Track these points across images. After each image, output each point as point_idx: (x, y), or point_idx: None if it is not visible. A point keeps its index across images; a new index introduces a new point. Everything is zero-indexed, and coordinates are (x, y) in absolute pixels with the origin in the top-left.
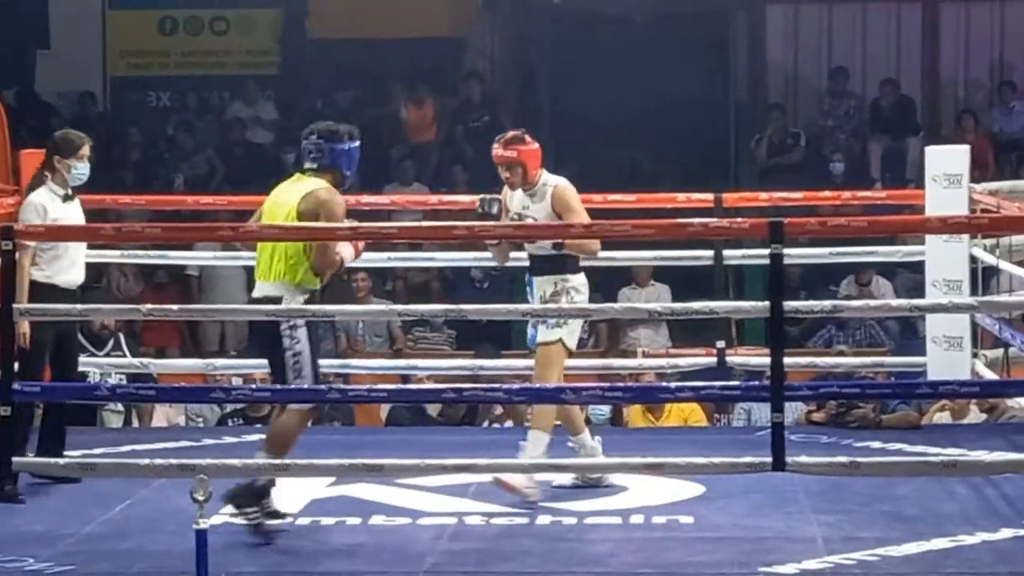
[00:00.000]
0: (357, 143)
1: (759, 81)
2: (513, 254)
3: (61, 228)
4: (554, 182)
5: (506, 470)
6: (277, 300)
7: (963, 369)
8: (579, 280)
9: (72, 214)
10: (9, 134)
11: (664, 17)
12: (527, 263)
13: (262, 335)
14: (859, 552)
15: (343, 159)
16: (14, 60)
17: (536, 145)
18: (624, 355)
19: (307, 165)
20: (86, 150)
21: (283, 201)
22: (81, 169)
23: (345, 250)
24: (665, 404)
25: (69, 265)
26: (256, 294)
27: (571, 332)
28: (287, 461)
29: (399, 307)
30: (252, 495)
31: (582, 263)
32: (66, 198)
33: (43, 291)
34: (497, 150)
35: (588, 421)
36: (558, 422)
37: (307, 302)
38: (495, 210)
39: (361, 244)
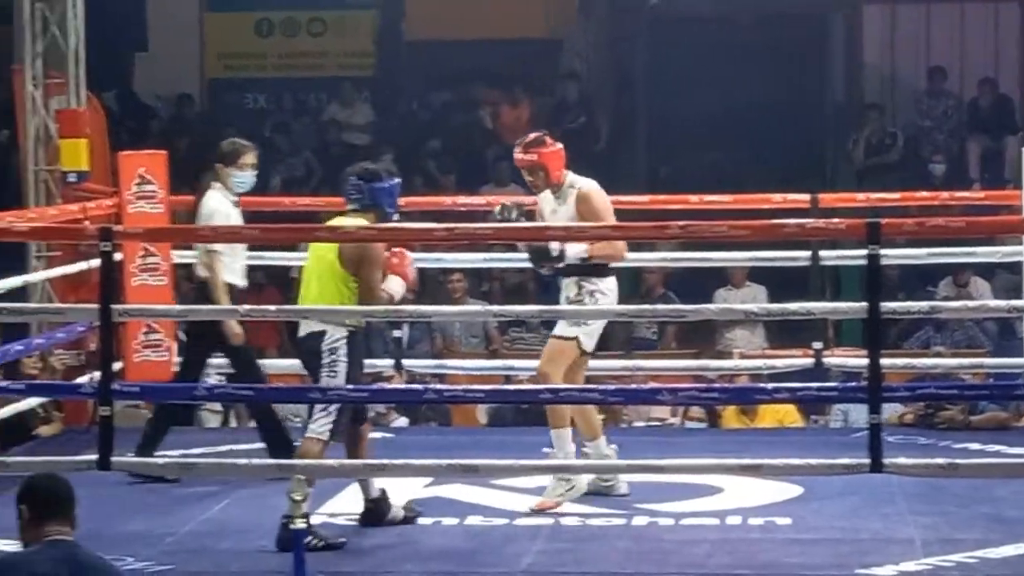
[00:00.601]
0: (397, 180)
1: (856, 82)
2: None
3: (159, 230)
4: (579, 184)
5: (600, 471)
6: (320, 336)
7: None
8: (606, 284)
9: (239, 221)
10: (109, 136)
11: (760, 18)
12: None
13: (309, 363)
14: (957, 554)
15: (384, 197)
16: (113, 62)
17: (558, 147)
18: (720, 356)
19: (349, 206)
20: (247, 159)
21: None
22: (241, 178)
23: (394, 286)
24: (760, 405)
25: (239, 268)
26: (301, 333)
27: (590, 333)
28: (384, 461)
29: (495, 308)
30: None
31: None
32: (234, 204)
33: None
34: (517, 154)
35: (684, 423)
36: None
37: (349, 339)
38: (514, 215)
39: (412, 274)
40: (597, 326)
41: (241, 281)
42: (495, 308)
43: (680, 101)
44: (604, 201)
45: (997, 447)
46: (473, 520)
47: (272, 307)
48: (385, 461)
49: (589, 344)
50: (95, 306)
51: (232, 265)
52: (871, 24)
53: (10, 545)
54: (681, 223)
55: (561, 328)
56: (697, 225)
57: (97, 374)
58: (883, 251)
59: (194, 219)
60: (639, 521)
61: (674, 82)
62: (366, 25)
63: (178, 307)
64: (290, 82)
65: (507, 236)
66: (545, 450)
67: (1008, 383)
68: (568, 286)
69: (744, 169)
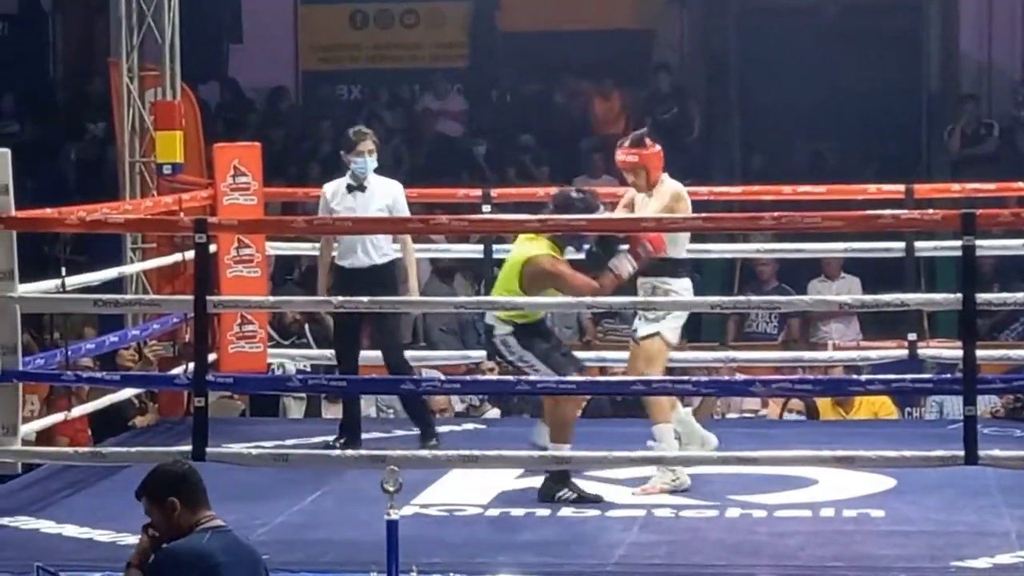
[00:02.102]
0: (592, 215)
1: (952, 71)
2: None
3: (254, 222)
4: (668, 184)
5: (693, 463)
6: (491, 330)
7: None
8: (680, 284)
9: (359, 203)
10: (204, 128)
11: (855, 7)
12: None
13: (495, 355)
14: None
15: (569, 238)
16: (208, 55)
17: (658, 148)
18: (815, 348)
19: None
20: (365, 145)
21: (514, 256)
22: (360, 164)
23: (624, 265)
24: (855, 397)
25: (349, 250)
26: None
27: (671, 327)
28: (476, 452)
29: (588, 299)
30: (558, 480)
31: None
32: (350, 188)
33: (335, 273)
34: (619, 155)
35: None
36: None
37: (515, 332)
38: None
39: (651, 242)
40: (678, 321)
41: (347, 262)
42: (588, 299)
43: (773, 91)
44: (683, 201)
45: None
46: (566, 511)
47: (365, 298)
48: (477, 452)
49: (672, 337)
50: (190, 298)
51: (342, 247)
52: (967, 13)
53: (111, 536)
54: (775, 214)
55: (642, 328)
56: (791, 216)
57: (191, 365)
58: (978, 242)
59: None
60: (732, 513)
61: (766, 72)
62: (460, 16)
63: (272, 298)
64: (384, 73)
65: (600, 228)
66: (649, 443)
67: None
68: (642, 284)
69: (838, 159)
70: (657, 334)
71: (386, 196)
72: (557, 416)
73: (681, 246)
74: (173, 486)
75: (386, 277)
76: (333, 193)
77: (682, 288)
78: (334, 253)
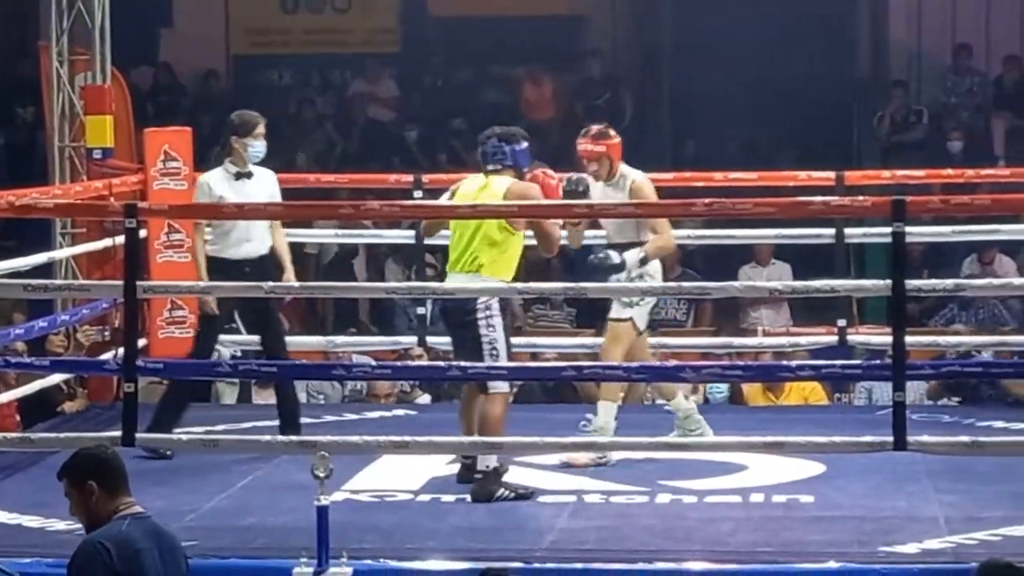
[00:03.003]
0: (526, 145)
1: (881, 58)
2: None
3: (184, 207)
4: (631, 175)
5: (624, 448)
6: (465, 303)
7: None
8: (652, 267)
9: (250, 191)
10: (134, 112)
11: None
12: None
13: (455, 322)
14: (981, 532)
15: (522, 158)
16: (138, 39)
17: (618, 139)
18: (745, 334)
19: (490, 167)
20: (261, 128)
21: (484, 197)
22: (257, 147)
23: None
24: (785, 383)
25: (238, 240)
26: (449, 285)
27: (642, 314)
28: (407, 439)
29: (519, 285)
30: (493, 481)
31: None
32: (239, 176)
33: (214, 265)
34: (587, 145)
35: (706, 400)
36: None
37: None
38: (582, 188)
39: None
40: (647, 306)
41: (230, 254)
42: (519, 285)
43: (705, 78)
44: (654, 192)
45: (1021, 425)
46: None
47: (296, 283)
48: (408, 438)
49: (642, 323)
50: (120, 283)
51: (227, 239)
52: (897, 0)
53: (40, 522)
54: (706, 200)
55: (615, 311)
56: (722, 203)
57: (121, 351)
58: (908, 228)
59: None
60: (662, 499)
61: (698, 59)
62: (391, 2)
63: (202, 283)
64: (315, 58)
65: (531, 213)
66: (588, 415)
67: None
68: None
69: (769, 146)
70: (629, 319)
71: (270, 183)
72: (486, 415)
73: (644, 230)
74: (93, 470)
75: (272, 266)
76: (216, 182)
77: (654, 270)
78: (216, 244)
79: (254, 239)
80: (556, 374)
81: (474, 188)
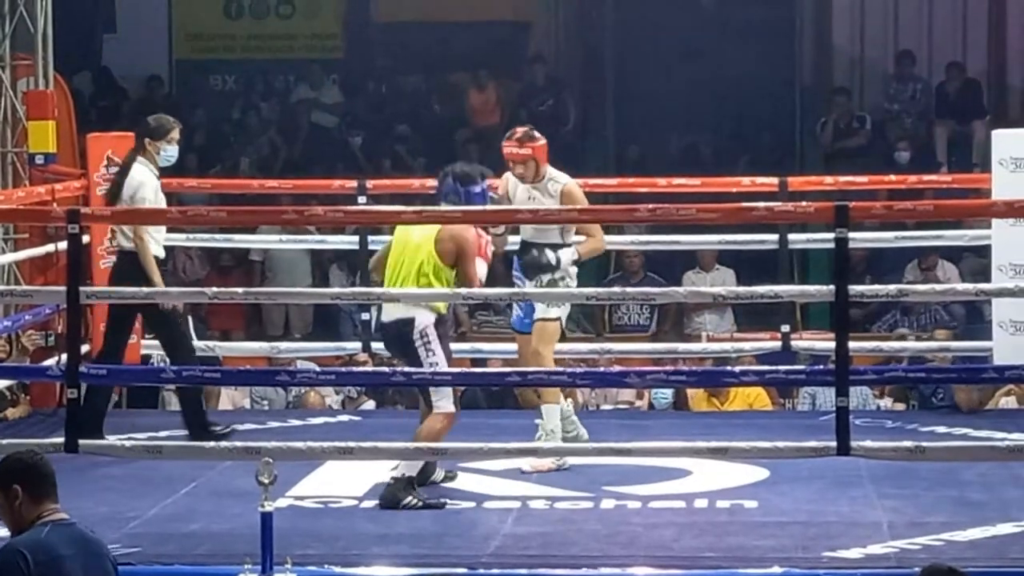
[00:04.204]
0: (486, 183)
1: (824, 65)
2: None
3: (129, 211)
4: (561, 179)
5: (569, 454)
6: (410, 322)
7: None
8: (571, 269)
9: (161, 195)
10: (77, 117)
11: (729, 0)
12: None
13: (397, 351)
14: (924, 537)
15: (477, 200)
16: (81, 44)
17: (544, 141)
18: (689, 340)
19: (443, 204)
20: (175, 134)
21: (418, 236)
22: (170, 152)
23: (481, 270)
24: (730, 388)
25: (158, 241)
26: (386, 319)
27: (566, 313)
28: (352, 444)
29: (463, 290)
30: (402, 488)
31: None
32: (158, 178)
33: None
34: (512, 148)
35: (651, 406)
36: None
37: (436, 324)
38: (544, 261)
39: (490, 254)
40: (569, 307)
41: (162, 252)
42: (463, 291)
43: (648, 83)
44: (583, 196)
45: (964, 430)
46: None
47: (239, 289)
48: (353, 444)
49: (562, 323)
50: (62, 288)
51: (156, 236)
52: (840, 6)
53: None
54: (650, 206)
55: (542, 311)
56: (665, 208)
57: (64, 356)
58: (851, 234)
59: (118, 191)
60: (607, 504)
61: (642, 64)
62: (335, 7)
63: (146, 289)
64: (259, 64)
65: (476, 219)
66: (536, 421)
67: (976, 366)
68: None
69: (713, 151)
70: (558, 319)
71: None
72: (425, 429)
73: (568, 232)
74: (19, 474)
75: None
76: (156, 184)
77: (572, 272)
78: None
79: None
80: (500, 380)
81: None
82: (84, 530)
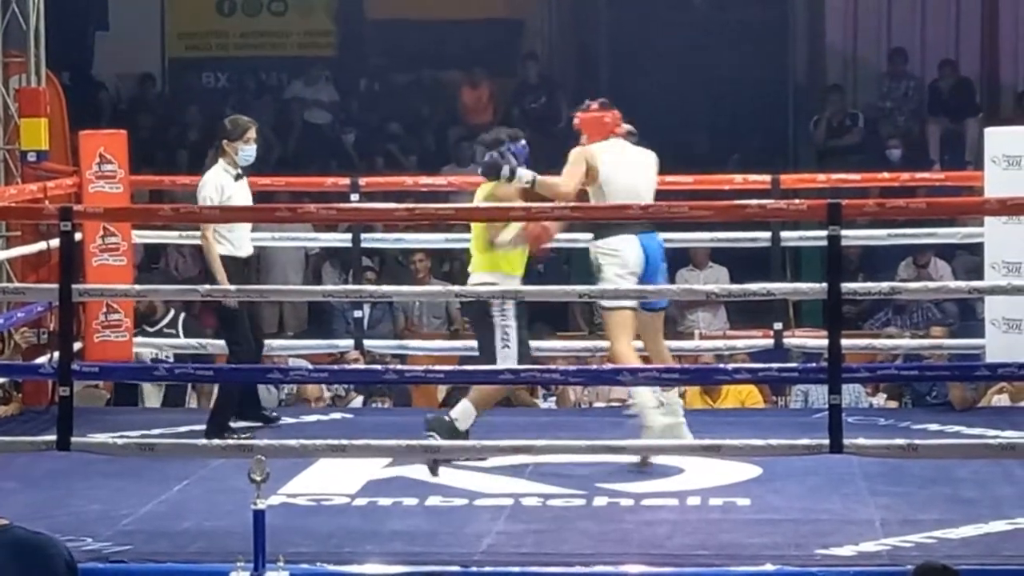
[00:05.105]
0: (520, 146)
1: (817, 63)
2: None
3: (119, 210)
4: (575, 151)
5: (561, 451)
6: (487, 285)
7: (1022, 351)
8: (608, 244)
9: (243, 193)
10: (68, 115)
11: None
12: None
13: (475, 314)
14: (917, 534)
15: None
16: (73, 42)
17: (598, 112)
18: (681, 337)
19: (485, 176)
20: (252, 133)
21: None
22: (248, 151)
23: (505, 235)
24: (722, 386)
25: (243, 239)
26: (470, 281)
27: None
28: (344, 442)
29: (456, 288)
30: (448, 431)
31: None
32: (237, 177)
33: (230, 264)
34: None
35: None
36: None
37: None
38: (507, 172)
39: (541, 241)
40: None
41: (242, 252)
42: (456, 288)
43: (641, 81)
44: (574, 160)
45: (956, 428)
46: (433, 501)
47: (232, 287)
48: (345, 442)
49: (628, 302)
50: (55, 286)
51: (230, 236)
52: (833, 5)
53: None
54: (642, 204)
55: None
56: (658, 206)
57: (56, 354)
58: (844, 232)
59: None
60: (599, 502)
61: (635, 62)
62: (327, 4)
63: (138, 287)
64: (251, 61)
65: (468, 217)
66: (625, 413)
67: (969, 364)
68: (591, 250)
69: (706, 149)
70: (622, 307)
71: (248, 185)
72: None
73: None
74: None
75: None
76: (226, 182)
77: (610, 248)
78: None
79: (247, 238)
80: (492, 378)
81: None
82: (26, 533)
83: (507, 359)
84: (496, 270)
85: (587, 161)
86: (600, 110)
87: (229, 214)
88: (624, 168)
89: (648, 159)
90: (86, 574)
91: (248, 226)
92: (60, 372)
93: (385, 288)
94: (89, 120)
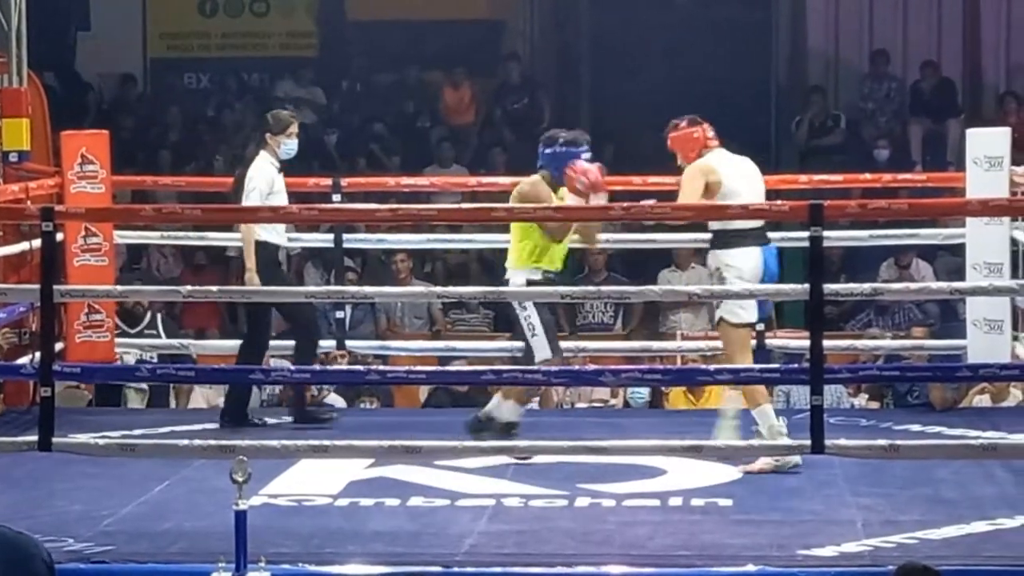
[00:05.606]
0: (564, 148)
1: (799, 64)
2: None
3: (101, 210)
4: (688, 170)
5: (541, 452)
6: (507, 284)
7: (1003, 352)
8: (731, 257)
9: (283, 185)
10: (53, 116)
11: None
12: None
13: (508, 313)
14: (898, 535)
15: (549, 160)
16: (55, 42)
17: (688, 129)
18: (664, 338)
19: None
20: (295, 128)
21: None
22: (290, 145)
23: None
24: (705, 386)
25: (280, 229)
26: (366, 289)
27: (729, 308)
28: (326, 443)
29: (438, 289)
30: (492, 428)
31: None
32: (278, 171)
33: (261, 250)
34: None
35: (627, 404)
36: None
37: (530, 284)
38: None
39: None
40: (731, 302)
41: (280, 240)
42: (438, 289)
43: (623, 81)
44: (691, 177)
45: (937, 428)
46: (415, 501)
47: (214, 288)
48: (327, 442)
49: (735, 318)
50: (36, 287)
51: (278, 226)
52: (815, 6)
53: None
54: (625, 204)
55: (723, 310)
56: (640, 206)
57: (38, 355)
58: (826, 233)
59: (241, 184)
60: (581, 502)
61: (617, 62)
62: (309, 5)
63: (120, 287)
64: (233, 62)
65: (450, 218)
66: (753, 428)
67: (950, 364)
68: (709, 260)
69: None
70: (720, 320)
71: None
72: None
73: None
74: None
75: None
76: (274, 174)
77: (734, 260)
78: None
79: (282, 228)
80: (474, 378)
81: None
82: (6, 532)
83: (541, 348)
84: (535, 266)
85: (705, 177)
86: (689, 126)
87: (214, 215)
88: (742, 178)
89: (753, 166)
90: (68, 575)
91: None
92: (41, 372)
93: (367, 289)
94: (74, 120)
